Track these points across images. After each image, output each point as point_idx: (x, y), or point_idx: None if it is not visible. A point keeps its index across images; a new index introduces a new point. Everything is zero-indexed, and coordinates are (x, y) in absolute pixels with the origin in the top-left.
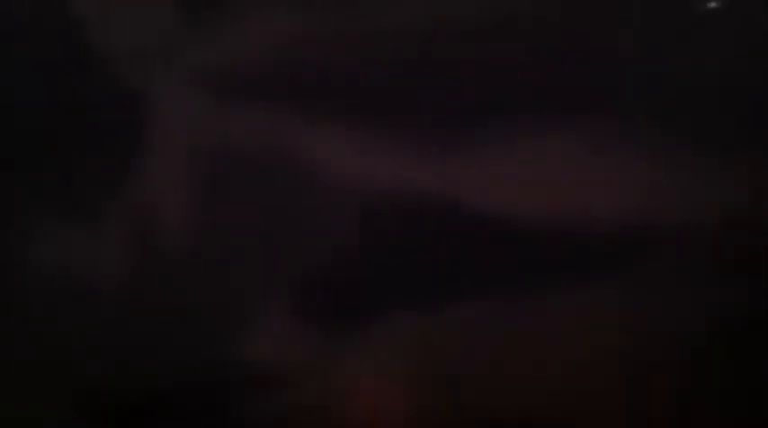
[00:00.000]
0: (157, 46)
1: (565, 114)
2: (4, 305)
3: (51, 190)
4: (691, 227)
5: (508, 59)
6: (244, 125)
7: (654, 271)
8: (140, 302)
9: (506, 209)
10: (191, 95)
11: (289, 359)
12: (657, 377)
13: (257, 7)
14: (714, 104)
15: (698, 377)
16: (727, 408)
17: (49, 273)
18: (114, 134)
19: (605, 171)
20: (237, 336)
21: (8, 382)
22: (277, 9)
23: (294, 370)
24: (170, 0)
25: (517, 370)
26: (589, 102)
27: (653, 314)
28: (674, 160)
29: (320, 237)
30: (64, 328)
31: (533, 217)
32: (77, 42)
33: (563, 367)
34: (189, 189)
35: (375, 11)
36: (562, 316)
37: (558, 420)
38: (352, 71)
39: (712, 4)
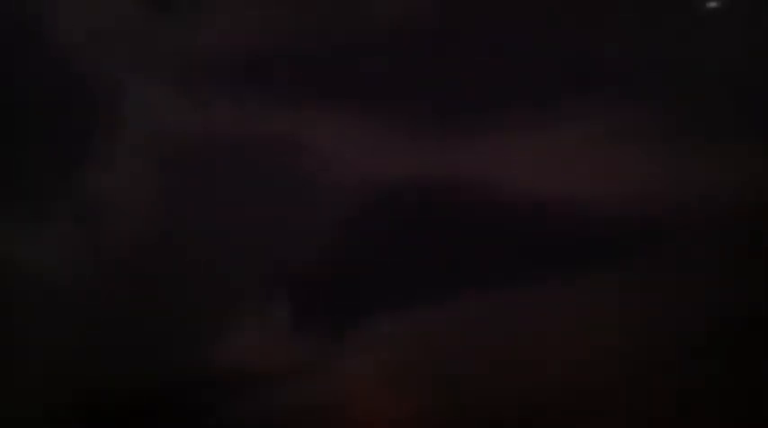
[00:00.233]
0: (125, 30)
1: (576, 102)
2: None
3: (7, 186)
4: (704, 218)
5: (514, 47)
6: (219, 114)
7: (670, 263)
8: (132, 302)
9: (516, 200)
10: (160, 83)
11: (286, 358)
12: (657, 377)
13: None
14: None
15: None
16: (727, 408)
17: (18, 273)
18: (78, 122)
19: (620, 160)
20: (229, 335)
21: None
22: None
23: (292, 370)
24: None
25: (523, 368)
26: (603, 90)
27: (668, 310)
28: (694, 150)
29: (313, 233)
30: (47, 329)
31: (544, 207)
32: (37, 28)
33: (566, 365)
34: (160, 181)
35: None
36: (569, 311)
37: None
38: (349, 57)
39: None
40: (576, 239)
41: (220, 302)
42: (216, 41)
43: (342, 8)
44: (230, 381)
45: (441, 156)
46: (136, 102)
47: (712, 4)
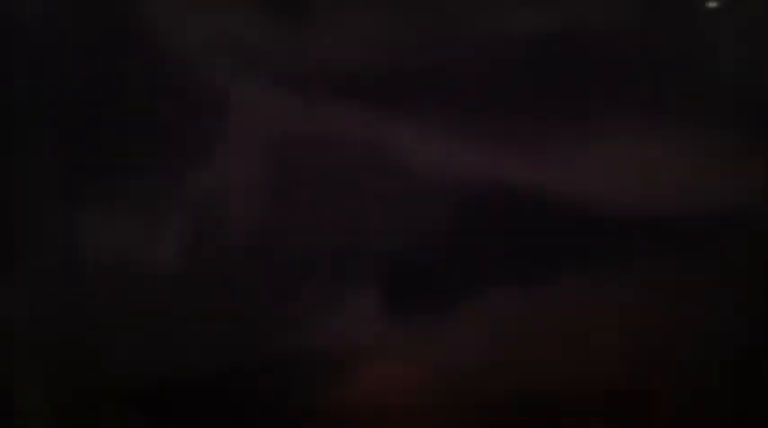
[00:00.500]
0: (241, 44)
1: (640, 114)
2: (60, 292)
3: (123, 184)
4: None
5: (584, 62)
6: (330, 123)
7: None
8: (217, 286)
9: (589, 202)
10: (275, 94)
11: (366, 343)
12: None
13: (344, 7)
14: None
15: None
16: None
17: (109, 263)
18: (192, 131)
19: (680, 167)
20: (311, 322)
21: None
22: (364, 9)
23: (374, 353)
24: None
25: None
26: (662, 103)
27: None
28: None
29: (408, 228)
30: (129, 316)
31: (618, 208)
32: (155, 41)
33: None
34: (270, 184)
35: (467, 11)
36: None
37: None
38: (444, 70)
39: None
40: (649, 240)
41: (323, 291)
42: (326, 54)
43: (442, 24)
44: (331, 361)
45: (528, 161)
46: (248, 106)
47: (712, 5)
